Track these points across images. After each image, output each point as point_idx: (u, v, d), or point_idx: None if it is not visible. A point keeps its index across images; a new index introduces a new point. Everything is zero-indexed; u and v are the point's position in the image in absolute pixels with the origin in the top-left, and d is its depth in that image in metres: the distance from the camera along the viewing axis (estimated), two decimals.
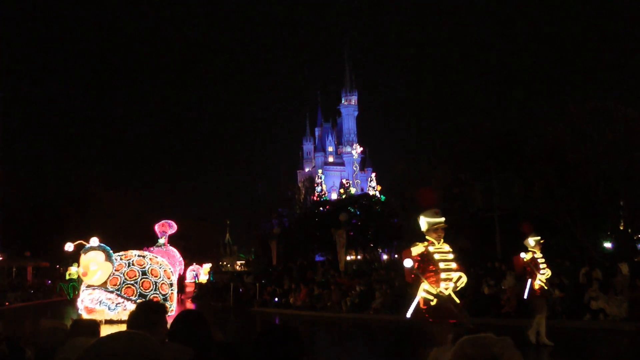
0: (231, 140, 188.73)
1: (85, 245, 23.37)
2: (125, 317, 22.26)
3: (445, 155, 38.49)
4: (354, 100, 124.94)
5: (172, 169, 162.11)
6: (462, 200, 33.31)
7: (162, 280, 24.15)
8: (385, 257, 57.60)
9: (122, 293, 23.16)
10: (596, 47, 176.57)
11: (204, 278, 56.35)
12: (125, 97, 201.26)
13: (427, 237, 10.40)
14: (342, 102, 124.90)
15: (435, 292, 9.90)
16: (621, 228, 30.87)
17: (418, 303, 10.14)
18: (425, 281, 10.01)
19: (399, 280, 29.04)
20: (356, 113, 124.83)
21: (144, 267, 24.01)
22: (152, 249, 47.90)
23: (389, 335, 23.45)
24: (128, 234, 57.50)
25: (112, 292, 23.11)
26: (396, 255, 56.20)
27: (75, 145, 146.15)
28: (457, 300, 10.14)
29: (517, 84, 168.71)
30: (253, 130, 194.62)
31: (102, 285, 23.07)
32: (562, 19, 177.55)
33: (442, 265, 10.21)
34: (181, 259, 51.41)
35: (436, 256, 10.24)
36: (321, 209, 64.74)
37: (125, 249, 25.96)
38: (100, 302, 22.81)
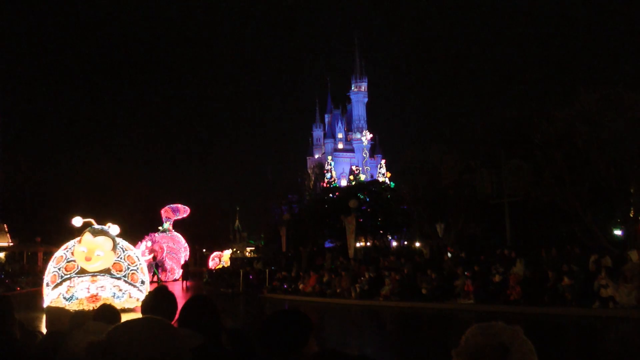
0: (241, 127, 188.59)
1: (93, 224, 22.54)
2: (128, 305, 21.60)
3: (455, 142, 38.45)
4: (363, 86, 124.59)
5: (181, 156, 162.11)
6: (472, 187, 33.26)
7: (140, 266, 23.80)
8: (394, 243, 57.64)
9: (129, 279, 22.40)
10: (607, 33, 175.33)
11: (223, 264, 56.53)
12: (136, 84, 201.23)
13: None
14: (352, 88, 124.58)
15: None
16: (631, 215, 30.74)
17: None
18: None
19: (408, 267, 29.09)
20: (366, 99, 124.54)
21: (136, 253, 23.63)
22: (156, 234, 48.09)
23: (397, 321, 23.50)
24: (137, 220, 57.82)
25: (119, 278, 22.15)
26: (405, 242, 56.35)
27: (84, 132, 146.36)
28: None
29: (527, 70, 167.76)
30: (263, 117, 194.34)
31: (106, 271, 22.11)
32: (573, 3, 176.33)
33: None
34: (186, 244, 51.62)
35: None
36: (331, 195, 64.74)
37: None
38: (106, 289, 21.83)
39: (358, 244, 47.00)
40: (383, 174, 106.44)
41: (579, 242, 27.62)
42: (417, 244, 46.95)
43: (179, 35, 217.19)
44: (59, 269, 22.45)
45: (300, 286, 32.27)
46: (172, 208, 49.53)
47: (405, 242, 57.02)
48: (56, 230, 56.04)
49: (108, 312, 5.38)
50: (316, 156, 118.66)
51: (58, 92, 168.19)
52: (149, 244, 44.60)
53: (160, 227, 48.36)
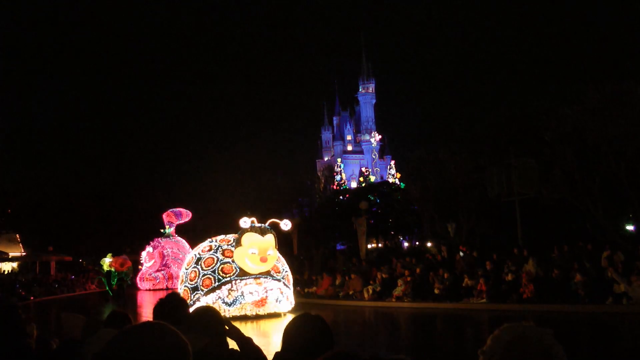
0: (249, 131, 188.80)
1: (255, 224, 21.02)
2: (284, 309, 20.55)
3: (464, 141, 38.38)
4: (371, 88, 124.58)
5: (190, 162, 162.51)
6: (482, 186, 33.20)
7: None
8: (406, 244, 57.54)
9: (286, 281, 21.28)
10: (615, 28, 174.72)
11: None
12: (143, 87, 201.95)
13: None
14: (360, 90, 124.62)
15: None
16: None
17: None
18: None
19: (421, 267, 29.04)
20: (374, 101, 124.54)
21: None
22: (160, 239, 47.76)
23: (412, 322, 23.46)
24: (148, 227, 57.95)
25: (279, 280, 20.91)
26: (417, 243, 56.28)
27: (93, 140, 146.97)
28: None
29: (536, 67, 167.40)
30: (271, 121, 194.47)
31: (266, 273, 20.60)
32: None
33: None
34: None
35: None
36: (341, 197, 64.73)
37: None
38: (274, 291, 20.58)
39: (369, 246, 46.95)
40: (393, 175, 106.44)
41: (591, 238, 27.49)
42: (429, 244, 46.89)
43: (187, 38, 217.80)
44: (214, 272, 20.40)
45: (314, 289, 32.27)
46: (175, 212, 48.78)
47: (417, 243, 56.95)
48: (68, 239, 56.32)
49: (119, 319, 5.42)
50: (325, 159, 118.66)
51: (62, 96, 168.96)
52: (151, 250, 44.12)
53: (162, 230, 47.96)
